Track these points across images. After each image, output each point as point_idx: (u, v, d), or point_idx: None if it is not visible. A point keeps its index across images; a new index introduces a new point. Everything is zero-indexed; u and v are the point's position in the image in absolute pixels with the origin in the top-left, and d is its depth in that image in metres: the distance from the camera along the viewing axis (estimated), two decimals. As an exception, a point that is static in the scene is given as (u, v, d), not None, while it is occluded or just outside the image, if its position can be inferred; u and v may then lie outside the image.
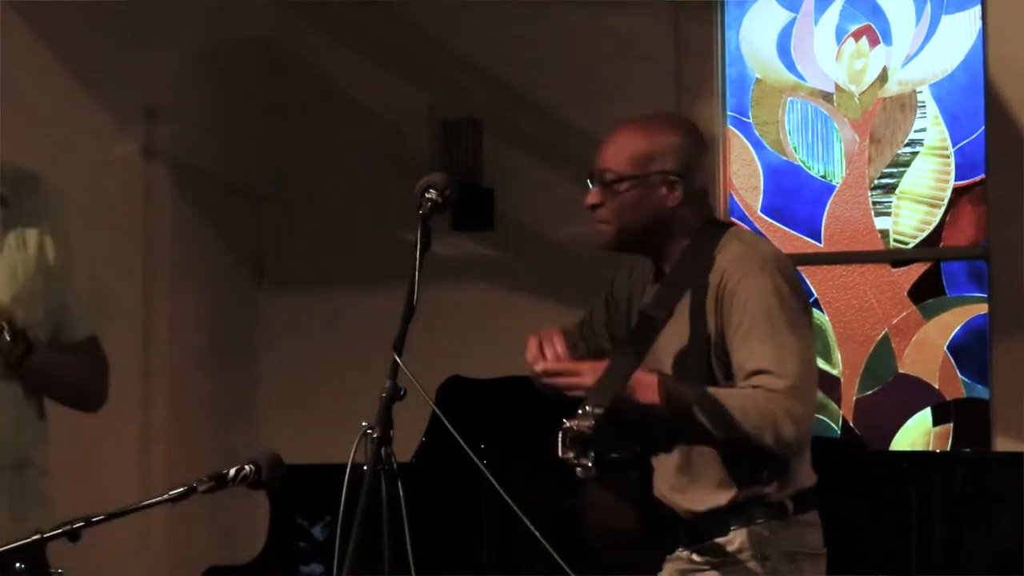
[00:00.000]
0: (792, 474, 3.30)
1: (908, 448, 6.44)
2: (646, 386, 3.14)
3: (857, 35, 6.70)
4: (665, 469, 3.29)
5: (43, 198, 3.36)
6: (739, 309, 3.22)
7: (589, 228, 3.40)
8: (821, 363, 6.60)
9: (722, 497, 3.26)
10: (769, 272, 3.27)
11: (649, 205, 3.34)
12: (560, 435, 2.95)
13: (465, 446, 3.23)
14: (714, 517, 3.26)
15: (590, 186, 3.40)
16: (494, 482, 3.07)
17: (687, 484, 3.29)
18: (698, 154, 3.47)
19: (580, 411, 2.96)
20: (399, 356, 2.92)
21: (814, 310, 6.60)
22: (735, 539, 3.27)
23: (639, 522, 3.26)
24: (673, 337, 3.26)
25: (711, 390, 3.17)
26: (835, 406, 6.57)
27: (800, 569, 3.33)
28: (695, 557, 3.29)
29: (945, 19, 6.61)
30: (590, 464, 2.94)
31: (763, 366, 3.17)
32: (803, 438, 3.21)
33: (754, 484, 3.27)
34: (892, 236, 6.60)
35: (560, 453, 2.95)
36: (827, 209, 6.66)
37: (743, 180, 6.75)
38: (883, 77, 6.65)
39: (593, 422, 2.94)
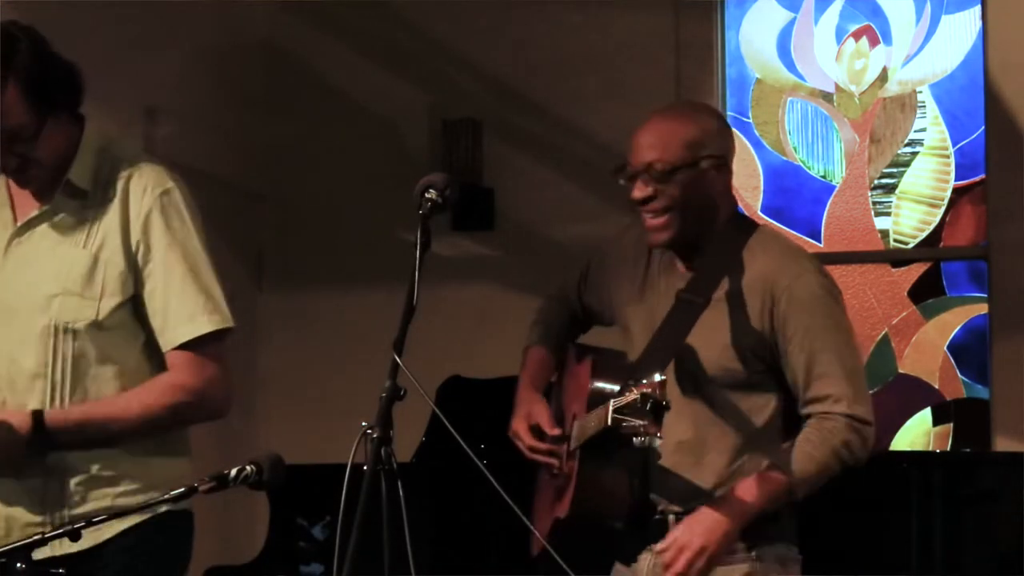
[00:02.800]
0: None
1: (908, 448, 6.44)
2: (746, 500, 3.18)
3: (857, 35, 6.70)
4: (669, 445, 3.26)
5: (134, 184, 3.28)
6: (799, 322, 3.23)
7: (645, 224, 3.32)
8: (821, 363, 6.61)
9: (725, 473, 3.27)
10: (820, 280, 3.28)
11: (704, 192, 3.30)
12: (638, 400, 2.94)
13: (465, 446, 3.23)
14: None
15: (622, 183, 3.34)
16: (494, 482, 3.07)
17: (692, 463, 3.29)
18: (732, 138, 3.42)
19: (647, 380, 2.96)
20: (399, 356, 2.92)
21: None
22: (738, 551, 3.29)
23: (627, 509, 3.24)
24: (707, 327, 3.25)
25: (797, 463, 3.20)
26: (835, 406, 6.56)
27: (788, 573, 3.37)
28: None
29: (945, 19, 6.61)
30: (658, 434, 2.95)
31: (835, 392, 3.21)
32: (870, 439, 3.27)
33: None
34: (892, 236, 6.60)
35: (631, 418, 2.95)
36: (827, 209, 6.66)
37: (743, 180, 6.75)
38: (883, 77, 6.65)
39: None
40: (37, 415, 3.12)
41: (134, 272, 3.22)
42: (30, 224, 3.24)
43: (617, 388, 3.19)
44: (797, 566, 3.39)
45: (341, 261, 6.88)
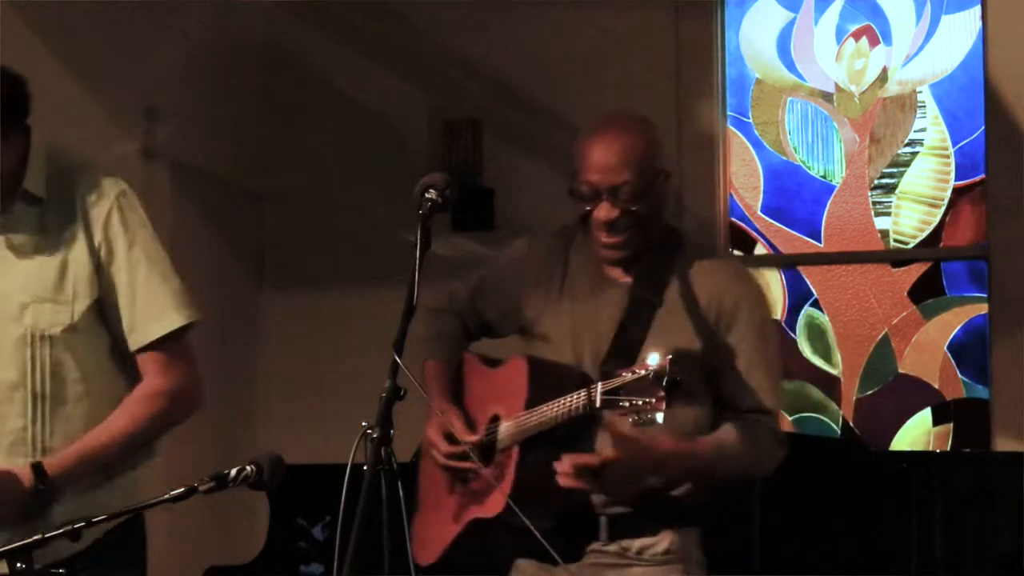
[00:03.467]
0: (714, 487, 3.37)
1: (908, 448, 6.44)
2: (671, 461, 3.18)
3: (857, 35, 6.70)
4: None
5: (90, 189, 3.26)
6: (741, 334, 3.28)
7: (600, 242, 3.33)
8: (821, 363, 6.61)
9: (658, 493, 3.29)
10: (762, 296, 3.39)
11: (661, 207, 3.34)
12: (648, 376, 2.97)
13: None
14: (646, 513, 3.28)
15: (577, 200, 3.34)
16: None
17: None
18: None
19: (650, 359, 2.99)
20: (399, 356, 2.92)
21: (814, 310, 6.64)
22: (663, 540, 3.31)
23: (566, 506, 3.22)
24: (663, 329, 3.29)
25: (723, 442, 3.23)
26: (835, 406, 6.57)
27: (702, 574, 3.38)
28: (614, 551, 3.29)
29: (945, 19, 6.61)
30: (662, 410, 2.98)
31: (765, 406, 3.28)
32: (782, 459, 3.38)
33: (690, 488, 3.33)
34: (892, 236, 6.60)
35: (631, 397, 2.98)
36: (827, 209, 6.66)
37: (743, 180, 6.75)
38: (883, 77, 6.65)
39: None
40: (38, 467, 3.12)
41: (99, 274, 3.22)
42: None
43: (569, 382, 3.22)
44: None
45: (341, 261, 6.88)
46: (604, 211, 3.29)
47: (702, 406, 3.29)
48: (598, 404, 3.06)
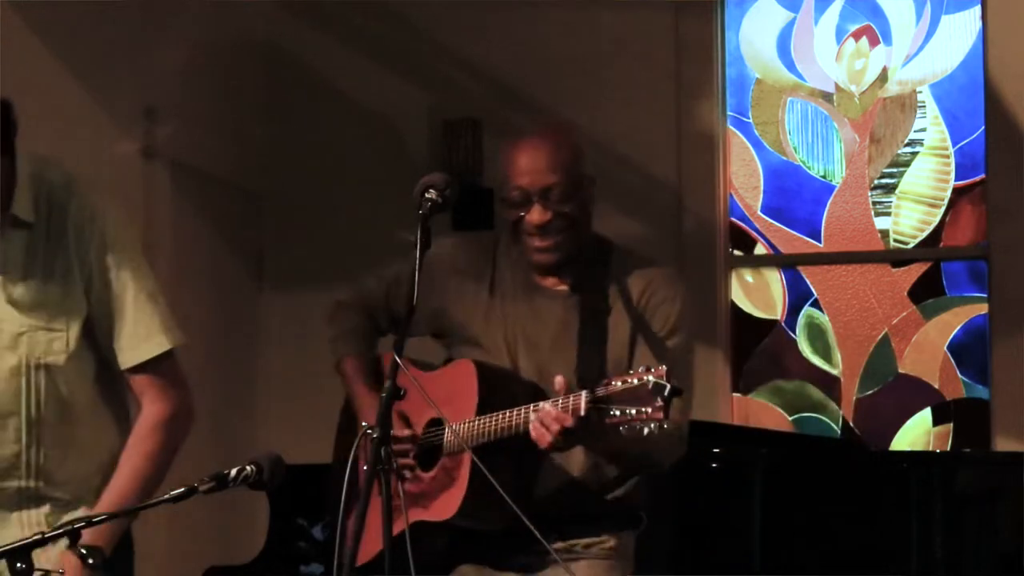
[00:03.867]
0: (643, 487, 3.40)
1: (908, 448, 6.44)
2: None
3: (857, 35, 6.70)
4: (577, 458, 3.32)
5: (75, 208, 3.22)
6: (659, 326, 3.35)
7: (532, 245, 3.35)
8: (821, 363, 6.61)
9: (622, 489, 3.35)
10: (684, 300, 3.43)
11: (588, 211, 3.39)
12: (646, 385, 2.97)
13: (465, 446, 3.23)
14: (589, 516, 3.32)
15: (507, 206, 3.36)
16: (493, 481, 3.07)
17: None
18: None
19: (643, 369, 3.00)
20: (399, 356, 2.93)
21: (814, 310, 6.64)
22: (607, 541, 3.37)
23: (517, 514, 3.22)
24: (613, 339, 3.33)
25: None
26: (835, 406, 6.57)
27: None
28: (562, 547, 3.32)
29: (945, 19, 6.61)
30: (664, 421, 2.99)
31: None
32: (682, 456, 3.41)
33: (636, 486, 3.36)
34: (892, 236, 6.60)
35: (625, 407, 2.98)
36: (827, 209, 6.66)
37: (743, 180, 6.75)
38: (883, 77, 6.65)
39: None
40: (87, 551, 3.11)
41: (88, 294, 3.20)
42: None
43: (521, 390, 3.25)
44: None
45: (341, 261, 6.86)
46: (536, 214, 3.31)
47: None
48: (582, 412, 3.04)
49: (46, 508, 3.21)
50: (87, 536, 3.04)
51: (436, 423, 3.35)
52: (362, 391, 3.47)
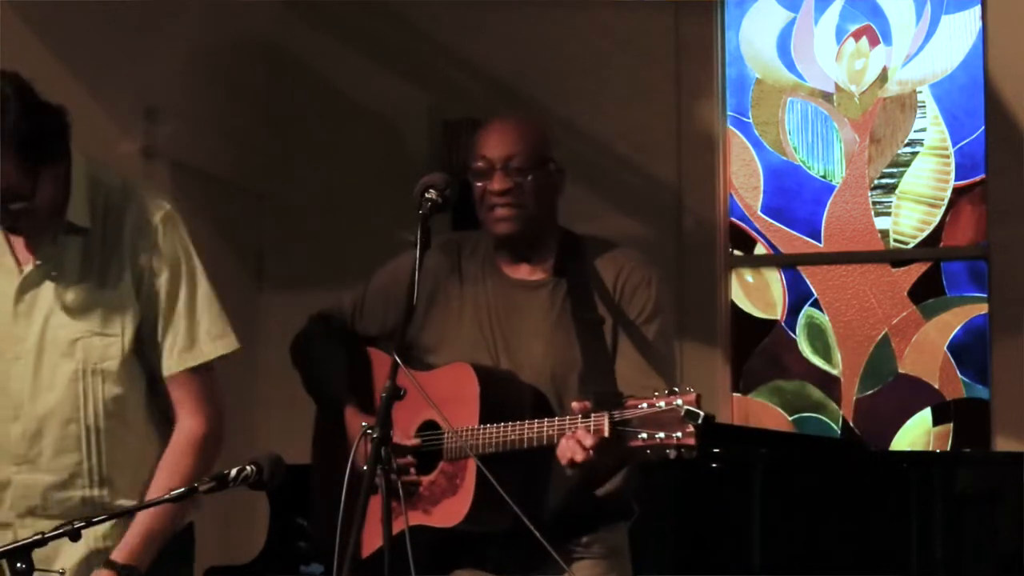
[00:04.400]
0: (635, 475, 3.40)
1: (908, 448, 6.44)
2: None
3: (857, 35, 6.70)
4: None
5: (132, 213, 3.21)
6: (636, 312, 3.35)
7: (493, 216, 3.41)
8: (821, 363, 6.61)
9: (611, 484, 3.33)
10: (659, 283, 3.41)
11: (548, 196, 3.42)
12: (698, 418, 2.95)
13: (464, 445, 3.23)
14: (584, 515, 3.31)
15: (477, 184, 3.43)
16: (493, 481, 3.07)
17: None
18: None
19: (668, 392, 2.99)
20: (399, 356, 2.92)
21: (814, 310, 6.64)
22: (605, 537, 3.37)
23: (514, 518, 3.21)
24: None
25: None
26: (835, 406, 6.57)
27: (629, 567, 3.44)
28: (576, 550, 3.33)
29: (945, 19, 6.61)
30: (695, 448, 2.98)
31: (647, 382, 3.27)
32: None
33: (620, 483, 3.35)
34: (892, 236, 6.60)
35: (655, 430, 2.96)
36: (827, 209, 6.66)
37: (743, 180, 6.75)
38: (883, 77, 6.65)
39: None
40: (121, 570, 3.11)
41: (141, 298, 3.21)
42: (38, 271, 3.20)
43: (523, 396, 3.25)
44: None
45: (341, 261, 6.87)
46: (497, 181, 3.39)
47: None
48: (606, 434, 3.01)
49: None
50: (121, 555, 3.06)
51: (431, 425, 3.33)
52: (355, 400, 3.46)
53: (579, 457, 3.04)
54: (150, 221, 3.23)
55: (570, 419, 3.09)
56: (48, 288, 3.21)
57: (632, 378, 3.27)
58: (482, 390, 3.27)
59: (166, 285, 3.22)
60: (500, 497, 3.06)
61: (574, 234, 3.49)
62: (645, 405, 2.97)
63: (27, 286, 3.21)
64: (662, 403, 2.95)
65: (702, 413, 2.93)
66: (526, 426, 3.17)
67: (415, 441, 3.31)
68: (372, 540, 3.23)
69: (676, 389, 2.98)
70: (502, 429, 3.20)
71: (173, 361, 3.23)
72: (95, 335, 3.18)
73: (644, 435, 2.95)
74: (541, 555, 3.20)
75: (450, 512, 3.27)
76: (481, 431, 3.24)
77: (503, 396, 3.28)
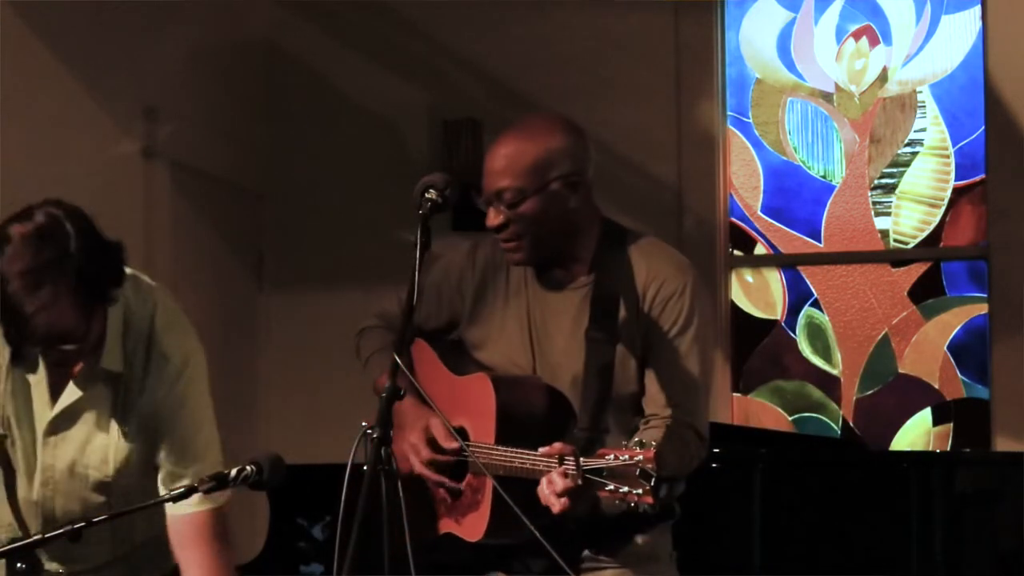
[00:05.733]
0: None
1: (908, 448, 6.44)
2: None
3: (857, 35, 6.69)
4: None
5: (163, 351, 3.13)
6: (667, 328, 3.29)
7: (503, 247, 3.34)
8: (821, 363, 6.61)
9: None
10: (692, 289, 3.34)
11: (556, 214, 3.31)
12: (631, 467, 2.89)
13: (464, 445, 3.23)
14: (619, 522, 3.26)
15: (482, 208, 3.34)
16: (493, 481, 3.07)
17: None
18: (587, 149, 3.40)
19: (628, 444, 2.93)
20: (399, 356, 2.92)
21: (814, 310, 6.64)
22: (639, 542, 3.33)
23: (540, 537, 3.17)
24: (619, 363, 3.29)
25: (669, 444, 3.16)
26: (835, 406, 6.57)
27: (674, 569, 3.41)
28: (587, 556, 3.29)
29: (945, 19, 6.61)
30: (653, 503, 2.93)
31: (679, 400, 3.26)
32: (703, 459, 3.32)
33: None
34: (892, 236, 6.60)
35: (614, 482, 2.91)
36: (827, 209, 6.66)
37: (743, 180, 6.75)
38: (883, 77, 6.65)
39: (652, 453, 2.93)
40: None
41: (159, 435, 3.16)
42: (71, 409, 3.15)
43: (538, 410, 3.23)
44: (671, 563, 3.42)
45: (341, 261, 6.88)
46: (490, 217, 3.31)
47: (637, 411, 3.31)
48: (578, 481, 2.97)
49: None
50: None
51: (461, 433, 3.33)
52: (410, 401, 3.43)
53: (555, 509, 3.02)
54: (175, 368, 3.17)
55: (545, 462, 3.06)
56: (78, 427, 3.16)
57: (654, 395, 3.27)
58: (499, 404, 3.26)
59: (181, 425, 3.18)
60: (516, 516, 3.05)
61: (613, 225, 3.42)
62: (613, 457, 2.92)
63: (59, 425, 3.17)
64: (627, 457, 2.90)
65: (653, 475, 2.87)
66: (511, 454, 3.16)
67: (455, 445, 3.28)
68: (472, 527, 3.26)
69: (642, 442, 2.91)
70: (506, 454, 3.19)
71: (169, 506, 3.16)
72: (129, 466, 3.16)
73: (611, 487, 2.91)
74: (572, 561, 3.21)
75: (474, 527, 3.28)
76: (489, 450, 3.23)
77: (520, 408, 3.26)
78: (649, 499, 2.89)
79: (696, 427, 3.27)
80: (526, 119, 3.42)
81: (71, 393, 3.13)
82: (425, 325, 3.48)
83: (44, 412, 3.16)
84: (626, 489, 2.89)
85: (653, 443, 2.92)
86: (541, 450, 3.06)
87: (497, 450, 3.22)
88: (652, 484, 2.88)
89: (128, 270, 3.11)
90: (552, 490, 3.02)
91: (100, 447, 3.14)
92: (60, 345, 3.00)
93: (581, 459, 2.97)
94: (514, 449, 3.17)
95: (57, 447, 3.16)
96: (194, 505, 3.06)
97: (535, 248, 3.31)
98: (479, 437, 3.27)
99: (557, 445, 3.06)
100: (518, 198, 3.27)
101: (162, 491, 3.13)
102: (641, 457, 2.89)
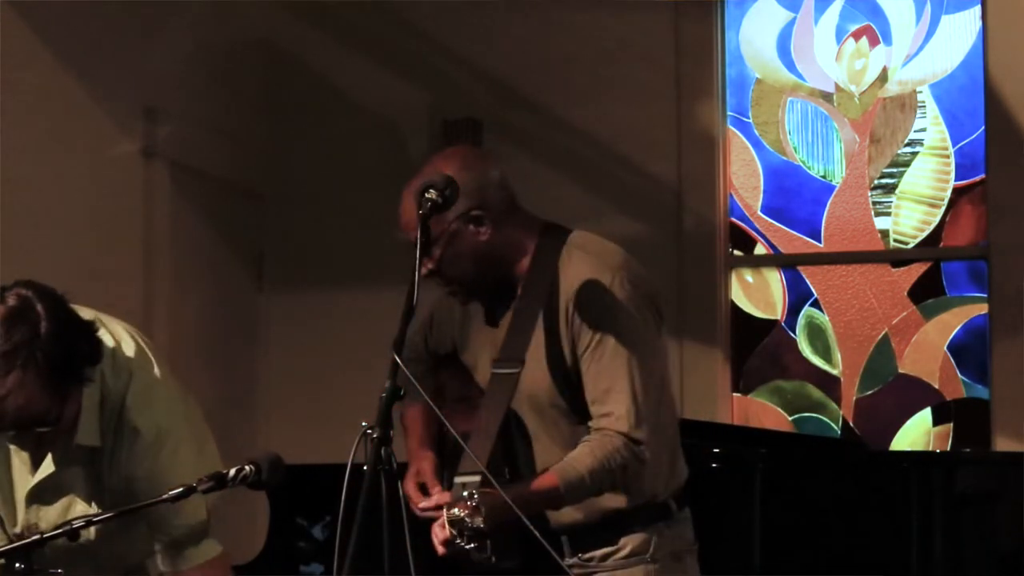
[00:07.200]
0: (674, 473, 3.35)
1: (908, 448, 6.44)
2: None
3: (857, 35, 6.69)
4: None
5: (138, 423, 3.10)
6: (587, 336, 3.21)
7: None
8: (821, 363, 6.61)
9: (616, 502, 3.26)
10: (617, 286, 3.23)
11: (469, 252, 3.25)
12: (462, 530, 2.95)
13: (464, 445, 3.23)
14: (604, 524, 3.26)
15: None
16: (493, 481, 3.07)
17: None
18: (484, 175, 3.33)
19: (467, 496, 2.97)
20: (398, 356, 2.92)
21: (814, 310, 6.64)
22: (626, 545, 3.30)
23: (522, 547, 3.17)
24: (530, 380, 3.26)
25: (567, 472, 3.14)
26: (835, 406, 6.57)
27: (684, 567, 3.37)
28: (575, 563, 3.29)
29: (945, 19, 6.61)
30: (488, 552, 2.97)
31: (607, 409, 3.19)
32: (647, 460, 3.22)
33: (643, 488, 3.29)
34: (892, 236, 6.60)
35: (446, 540, 2.96)
36: (827, 209, 6.66)
37: (743, 180, 6.75)
38: (883, 77, 6.65)
39: (482, 513, 2.96)
40: None
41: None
42: (48, 481, 3.15)
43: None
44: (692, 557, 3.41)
45: (341, 261, 6.88)
46: (423, 268, 3.18)
47: (575, 423, 3.27)
48: (445, 532, 3.02)
49: None
50: None
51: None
52: (413, 442, 3.43)
53: (440, 552, 3.06)
54: (152, 443, 3.14)
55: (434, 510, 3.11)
56: (54, 495, 3.16)
57: (590, 405, 3.23)
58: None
59: (154, 474, 3.13)
60: (509, 530, 3.07)
61: (552, 234, 3.36)
62: (455, 510, 2.98)
63: (39, 496, 3.16)
64: (455, 509, 2.96)
65: (461, 529, 2.94)
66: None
67: (438, 496, 3.25)
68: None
69: (465, 492, 2.98)
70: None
71: (164, 558, 3.20)
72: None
73: (454, 532, 2.97)
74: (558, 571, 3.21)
75: None
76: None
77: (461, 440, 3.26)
78: (468, 548, 2.95)
79: (627, 434, 3.18)
80: (424, 167, 3.36)
81: (46, 467, 3.12)
82: (438, 351, 3.52)
83: (26, 480, 3.16)
84: (474, 548, 2.97)
85: (467, 494, 2.97)
86: (422, 504, 3.14)
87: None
88: (468, 535, 2.94)
89: (110, 342, 3.09)
90: (436, 540, 3.07)
91: (80, 514, 3.09)
92: (33, 428, 2.97)
93: (445, 510, 3.01)
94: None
95: (40, 510, 3.17)
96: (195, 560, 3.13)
97: (469, 288, 3.29)
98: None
99: (434, 497, 3.14)
100: (432, 245, 3.20)
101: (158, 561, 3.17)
102: (462, 511, 2.94)
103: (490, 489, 3.02)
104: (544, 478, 3.18)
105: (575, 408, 3.26)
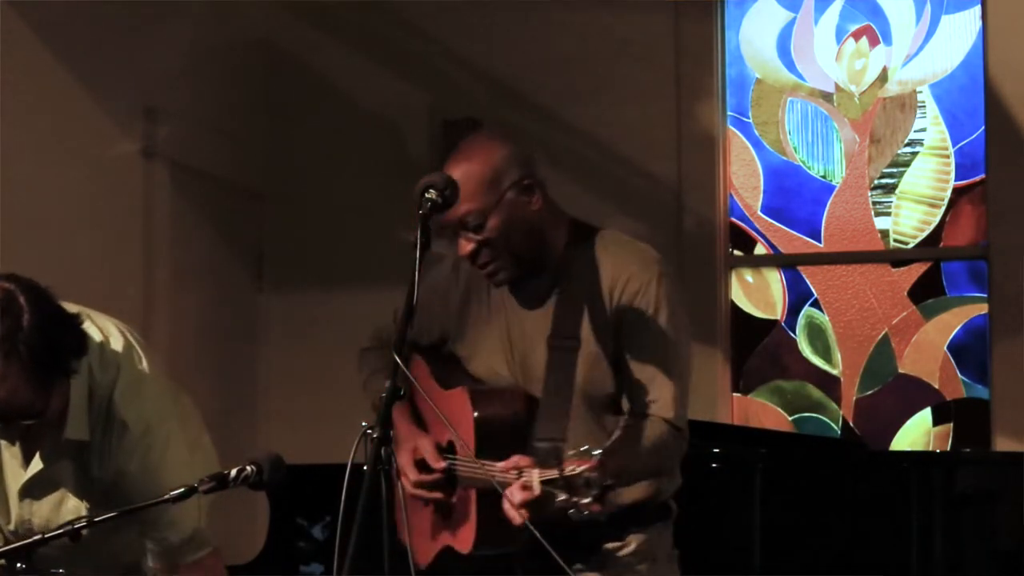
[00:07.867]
0: (675, 473, 3.37)
1: (908, 448, 6.44)
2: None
3: (857, 35, 6.70)
4: None
5: (128, 419, 3.11)
6: (635, 323, 3.26)
7: (482, 272, 3.32)
8: (821, 363, 6.61)
9: (633, 495, 3.28)
10: (661, 279, 3.30)
11: (521, 222, 3.29)
12: (578, 480, 2.89)
13: (465, 445, 3.23)
14: (613, 520, 3.25)
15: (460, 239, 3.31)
16: (493, 481, 3.07)
17: None
18: (529, 153, 3.38)
19: (573, 454, 2.93)
20: (399, 357, 2.92)
21: (814, 310, 6.64)
22: (631, 543, 3.32)
23: (523, 537, 3.16)
24: (587, 363, 3.28)
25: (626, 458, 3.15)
26: (835, 406, 6.57)
27: (674, 568, 3.40)
28: (581, 564, 3.28)
29: (945, 19, 6.61)
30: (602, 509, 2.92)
31: (654, 395, 3.23)
32: (685, 451, 3.29)
33: (661, 483, 3.32)
34: (892, 236, 6.60)
35: (568, 494, 2.90)
36: (827, 209, 6.66)
37: (743, 180, 6.75)
38: (883, 77, 6.65)
39: (607, 468, 2.91)
40: None
41: (131, 503, 3.09)
42: (39, 477, 3.16)
43: (508, 426, 3.22)
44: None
45: (341, 261, 6.88)
46: (462, 247, 3.27)
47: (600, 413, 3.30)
48: (536, 491, 2.98)
49: None
50: None
51: (451, 447, 3.34)
52: (404, 420, 3.43)
53: (516, 521, 3.03)
54: (141, 434, 3.14)
55: (502, 476, 3.07)
56: (51, 490, 3.17)
57: (630, 394, 3.26)
58: (476, 416, 3.27)
59: (147, 468, 3.14)
60: (503, 520, 3.05)
61: (581, 226, 3.40)
62: (567, 468, 2.91)
63: (31, 491, 3.17)
64: (573, 467, 2.90)
65: (595, 488, 2.87)
66: (480, 467, 3.17)
67: (442, 465, 3.30)
68: (425, 549, 3.31)
69: (586, 451, 2.91)
70: (476, 465, 3.19)
71: (158, 552, 3.21)
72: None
73: (563, 497, 2.91)
74: (578, 556, 3.20)
75: (465, 539, 3.29)
76: (466, 463, 3.24)
77: (498, 420, 3.27)
78: (596, 507, 2.89)
79: (672, 422, 3.23)
80: (460, 146, 3.37)
81: (36, 463, 3.13)
82: (420, 340, 3.49)
83: (18, 474, 3.17)
84: (576, 499, 2.89)
85: (596, 452, 2.91)
86: (499, 464, 3.08)
87: (472, 463, 3.22)
88: (597, 492, 2.87)
89: (97, 336, 3.09)
90: (511, 502, 3.03)
91: (73, 509, 3.13)
92: (18, 420, 2.97)
93: (536, 470, 2.97)
94: (484, 462, 3.17)
95: (33, 505, 3.18)
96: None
97: (513, 264, 3.30)
98: (463, 450, 3.27)
99: (514, 458, 3.08)
100: (480, 219, 3.24)
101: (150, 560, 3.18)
102: (583, 467, 2.89)
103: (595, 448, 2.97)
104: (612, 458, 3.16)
105: (612, 397, 3.28)
